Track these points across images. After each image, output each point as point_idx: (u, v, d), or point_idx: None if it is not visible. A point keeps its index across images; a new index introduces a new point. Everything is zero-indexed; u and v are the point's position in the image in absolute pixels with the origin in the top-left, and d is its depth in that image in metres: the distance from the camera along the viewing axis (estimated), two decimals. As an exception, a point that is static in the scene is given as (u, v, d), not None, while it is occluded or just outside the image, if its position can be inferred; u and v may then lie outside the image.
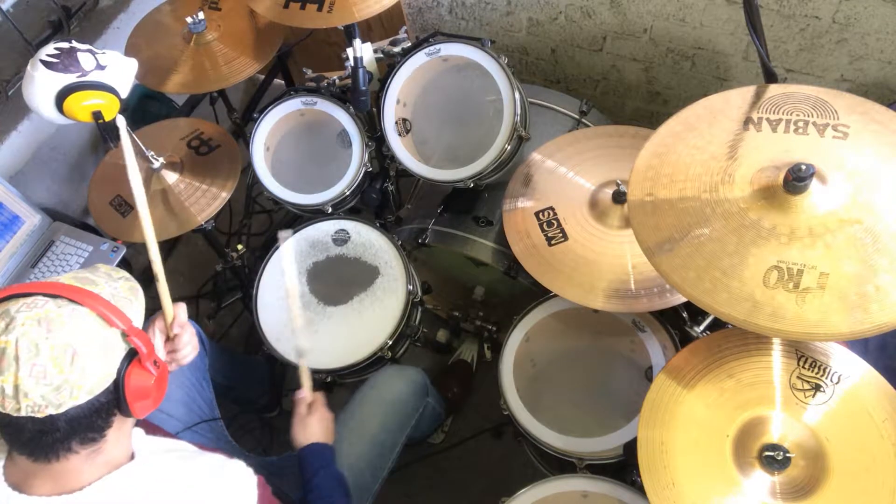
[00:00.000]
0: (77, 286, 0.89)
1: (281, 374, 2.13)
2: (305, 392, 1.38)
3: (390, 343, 1.60)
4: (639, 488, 1.22)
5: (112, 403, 0.89)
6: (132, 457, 0.98)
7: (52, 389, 0.82)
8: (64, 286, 0.88)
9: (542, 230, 1.52)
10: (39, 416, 0.82)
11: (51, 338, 0.82)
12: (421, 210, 1.93)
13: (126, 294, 0.96)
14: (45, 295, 0.86)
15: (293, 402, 1.38)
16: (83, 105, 1.33)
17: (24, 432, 0.85)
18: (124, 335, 0.90)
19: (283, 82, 2.48)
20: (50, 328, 0.83)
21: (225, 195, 1.63)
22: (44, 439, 0.87)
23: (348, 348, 1.61)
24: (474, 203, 1.80)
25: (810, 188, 0.98)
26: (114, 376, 0.88)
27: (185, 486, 0.99)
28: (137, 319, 0.95)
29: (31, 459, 0.89)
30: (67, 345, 0.83)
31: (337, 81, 1.82)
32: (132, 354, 0.91)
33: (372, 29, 2.27)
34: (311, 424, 1.33)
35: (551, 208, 1.54)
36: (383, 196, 1.89)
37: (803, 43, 1.80)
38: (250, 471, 1.05)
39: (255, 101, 2.49)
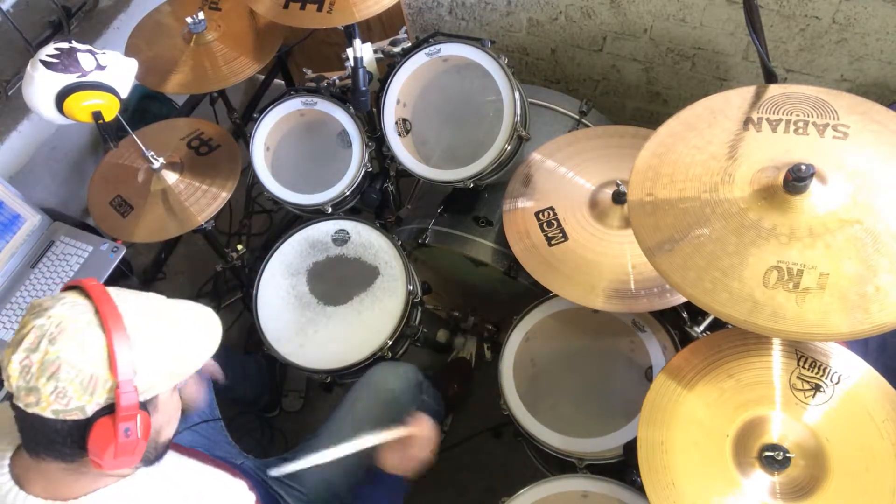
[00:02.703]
0: (122, 315, 0.84)
1: (281, 374, 2.13)
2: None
3: (390, 343, 1.60)
4: (639, 488, 1.23)
5: (76, 438, 0.83)
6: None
7: (25, 389, 0.80)
8: (112, 310, 0.84)
9: (542, 230, 1.52)
10: (17, 402, 0.82)
11: (51, 345, 0.80)
12: (421, 210, 1.93)
13: (167, 349, 0.89)
14: (93, 305, 0.84)
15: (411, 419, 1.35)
16: (83, 105, 1.33)
17: (16, 409, 0.84)
18: (114, 386, 0.82)
19: (283, 82, 2.49)
20: (56, 337, 0.81)
21: (225, 195, 1.63)
22: (25, 429, 0.86)
23: (348, 348, 1.61)
24: (474, 203, 1.80)
25: (810, 188, 0.98)
26: (85, 415, 0.82)
27: (185, 500, 0.99)
28: (158, 373, 0.88)
29: (24, 449, 0.88)
30: (56, 360, 0.80)
31: (337, 81, 1.82)
32: (112, 407, 0.83)
33: (372, 29, 2.27)
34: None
35: (551, 208, 1.54)
36: (383, 196, 1.89)
37: (803, 43, 1.80)
38: (252, 495, 1.06)
39: (255, 101, 2.50)
